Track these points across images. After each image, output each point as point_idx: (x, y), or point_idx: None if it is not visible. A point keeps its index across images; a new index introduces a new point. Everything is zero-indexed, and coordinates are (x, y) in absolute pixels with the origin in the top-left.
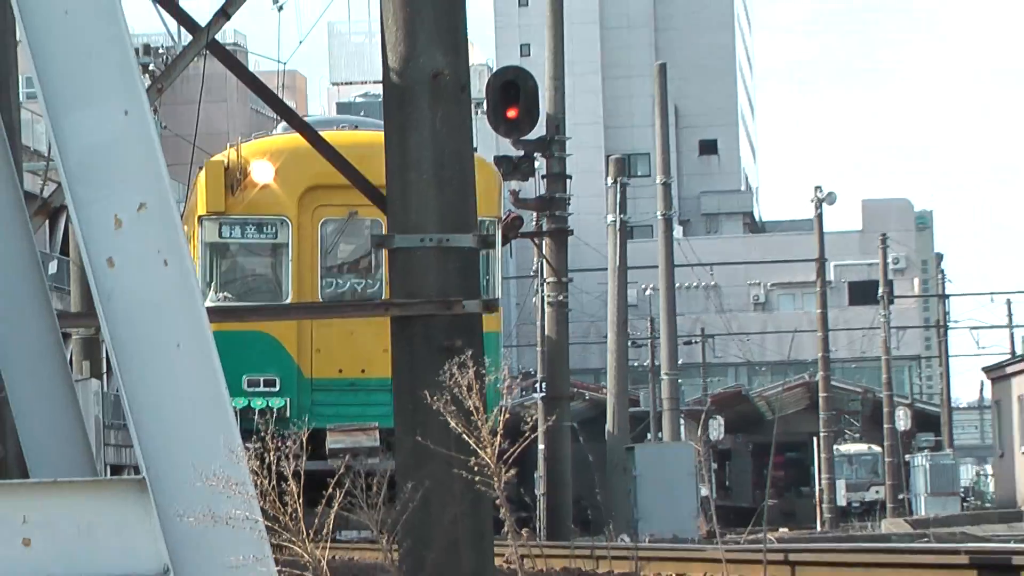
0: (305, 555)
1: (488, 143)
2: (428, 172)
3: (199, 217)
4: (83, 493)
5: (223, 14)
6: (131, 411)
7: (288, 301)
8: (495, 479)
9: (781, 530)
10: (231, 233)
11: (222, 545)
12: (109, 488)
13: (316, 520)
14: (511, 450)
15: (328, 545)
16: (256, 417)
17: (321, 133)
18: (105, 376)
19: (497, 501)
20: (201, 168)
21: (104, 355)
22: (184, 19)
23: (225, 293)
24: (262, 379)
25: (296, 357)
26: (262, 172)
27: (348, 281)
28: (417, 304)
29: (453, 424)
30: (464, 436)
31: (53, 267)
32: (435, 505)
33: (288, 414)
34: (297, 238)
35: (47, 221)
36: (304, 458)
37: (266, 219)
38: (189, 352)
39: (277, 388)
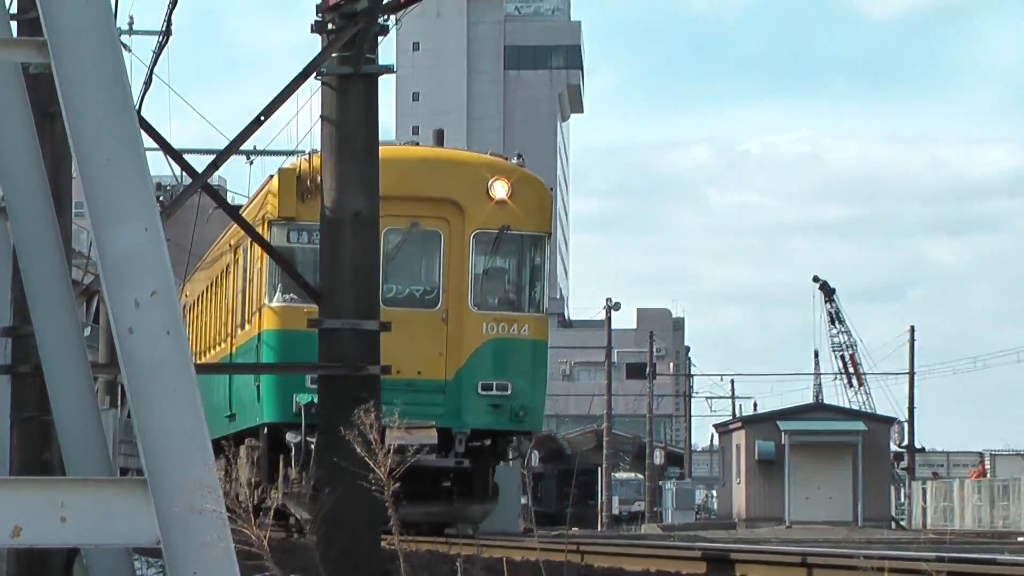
0: (252, 536)
1: None
2: (348, 278)
3: (268, 222)
4: (104, 487)
5: (213, 165)
6: (139, 433)
7: None
8: (385, 489)
9: (574, 529)
10: (298, 239)
11: (197, 528)
12: (121, 485)
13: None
14: (396, 469)
15: (269, 528)
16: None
17: (386, 146)
18: (120, 407)
19: (387, 503)
20: (272, 176)
21: (120, 393)
22: (186, 167)
23: (291, 295)
24: None
25: None
26: None
27: (408, 287)
28: (338, 367)
29: (359, 450)
30: (366, 459)
31: (87, 331)
32: (344, 504)
33: None
34: None
35: (86, 300)
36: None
37: None
38: (181, 395)
39: None
